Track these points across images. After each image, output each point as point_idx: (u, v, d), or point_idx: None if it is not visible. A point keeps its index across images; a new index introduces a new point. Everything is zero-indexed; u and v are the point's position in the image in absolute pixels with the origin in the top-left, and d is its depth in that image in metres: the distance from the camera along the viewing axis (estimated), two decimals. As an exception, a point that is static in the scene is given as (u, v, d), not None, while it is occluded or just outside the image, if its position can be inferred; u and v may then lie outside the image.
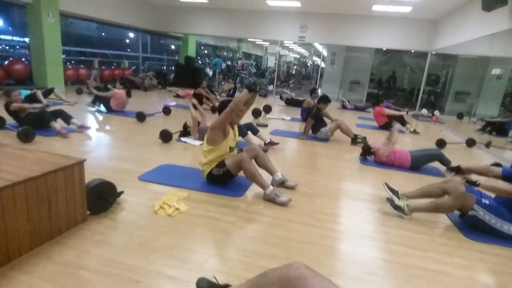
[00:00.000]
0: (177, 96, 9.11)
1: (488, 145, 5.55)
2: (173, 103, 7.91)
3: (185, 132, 4.54)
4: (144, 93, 9.82)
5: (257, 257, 1.87)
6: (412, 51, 11.79)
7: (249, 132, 4.26)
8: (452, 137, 6.45)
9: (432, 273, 1.90)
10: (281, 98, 10.01)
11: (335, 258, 1.99)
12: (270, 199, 2.63)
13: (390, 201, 2.63)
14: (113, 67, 11.90)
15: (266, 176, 2.85)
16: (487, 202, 2.32)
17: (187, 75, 11.97)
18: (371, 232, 2.35)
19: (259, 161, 2.98)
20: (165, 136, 4.19)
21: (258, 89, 2.78)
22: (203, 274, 1.55)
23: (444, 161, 3.87)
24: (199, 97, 7.55)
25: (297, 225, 2.31)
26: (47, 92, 6.35)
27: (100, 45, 15.23)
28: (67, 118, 4.49)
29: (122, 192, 2.37)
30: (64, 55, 10.50)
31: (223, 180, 2.84)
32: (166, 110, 6.32)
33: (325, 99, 5.37)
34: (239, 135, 4.19)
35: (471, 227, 2.41)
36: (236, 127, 3.00)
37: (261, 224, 2.30)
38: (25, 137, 3.69)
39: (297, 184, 3.04)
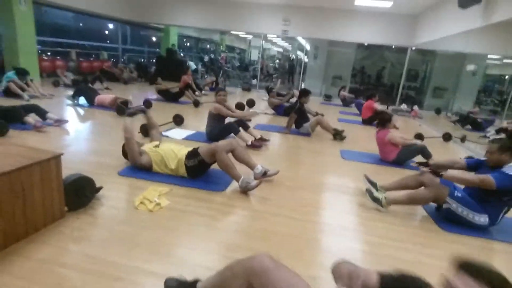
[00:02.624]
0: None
1: (463, 139, 5.78)
2: (155, 96, 7.75)
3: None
4: (124, 86, 9.57)
5: (238, 251, 1.89)
6: (393, 47, 12.01)
7: (240, 129, 4.27)
8: (430, 132, 6.67)
9: (408, 263, 1.97)
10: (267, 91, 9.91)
11: (316, 250, 2.03)
12: (243, 189, 2.66)
13: (369, 192, 2.70)
14: (91, 59, 11.52)
15: (247, 171, 2.85)
16: (459, 194, 2.42)
17: (169, 68, 11.73)
18: (351, 223, 2.41)
19: (237, 155, 2.97)
20: (146, 131, 4.10)
21: (134, 111, 3.00)
22: (184, 269, 1.56)
23: (426, 154, 3.98)
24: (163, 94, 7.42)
25: (278, 218, 2.34)
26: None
27: (77, 36, 14.69)
28: (41, 113, 4.31)
29: (101, 188, 2.31)
30: (40, 46, 10.09)
31: (202, 170, 2.86)
32: (147, 104, 6.19)
33: (305, 93, 5.40)
34: (231, 133, 4.22)
35: (447, 219, 2.51)
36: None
37: (243, 218, 2.32)
38: (-3, 131, 3.54)
39: (278, 170, 3.05)
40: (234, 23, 11.43)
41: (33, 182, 1.76)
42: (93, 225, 2.00)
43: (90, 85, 6.50)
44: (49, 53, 10.94)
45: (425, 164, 2.79)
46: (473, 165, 2.62)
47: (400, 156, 3.99)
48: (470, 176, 2.47)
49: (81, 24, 15.99)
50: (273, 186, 2.91)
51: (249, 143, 4.11)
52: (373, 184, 2.84)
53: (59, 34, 12.94)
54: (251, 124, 5.54)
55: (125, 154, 3.04)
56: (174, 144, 3.04)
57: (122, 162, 3.07)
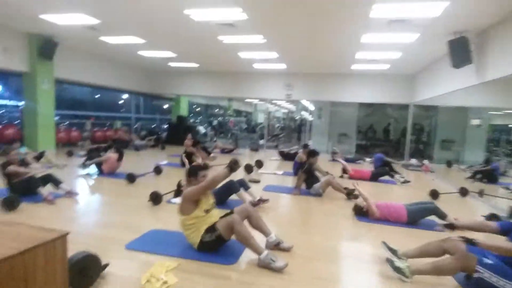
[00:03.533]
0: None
1: (481, 193, 5.55)
2: (165, 162, 7.88)
3: (179, 191, 4.44)
4: (135, 153, 9.82)
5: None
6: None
7: (241, 189, 4.22)
8: (444, 187, 6.47)
9: None
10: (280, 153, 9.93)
11: (338, 332, 1.83)
12: (264, 265, 2.48)
13: (390, 262, 2.50)
14: (105, 128, 12.05)
15: (259, 238, 2.73)
16: (490, 262, 2.16)
17: (179, 133, 12.16)
18: (374, 298, 2.20)
19: (252, 221, 2.88)
20: (155, 199, 4.09)
21: (238, 167, 2.71)
22: None
23: (440, 214, 3.78)
24: (189, 156, 7.52)
25: (295, 294, 2.16)
26: (39, 156, 6.29)
27: (94, 107, 15.65)
28: (56, 183, 4.37)
29: (107, 265, 2.22)
30: (58, 117, 10.70)
31: (216, 247, 2.69)
32: (157, 170, 6.26)
33: (313, 153, 5.43)
34: (233, 192, 4.17)
35: None
36: (208, 192, 2.90)
37: (257, 295, 2.15)
38: (10, 205, 3.55)
39: (292, 246, 2.91)
40: (240, 90, 12.11)
41: (37, 265, 1.68)
42: (95, 309, 1.87)
43: (101, 154, 6.68)
44: (66, 123, 11.52)
45: (451, 227, 2.61)
46: (508, 229, 2.40)
47: (410, 217, 3.81)
48: (509, 245, 2.24)
49: (97, 96, 17.16)
50: (286, 256, 2.74)
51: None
52: (394, 252, 2.65)
53: (77, 107, 13.82)
54: (260, 185, 5.52)
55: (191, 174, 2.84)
56: (218, 217, 2.83)
57: (129, 235, 2.99)
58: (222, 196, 4.18)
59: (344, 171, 6.98)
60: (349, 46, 7.04)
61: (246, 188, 4.36)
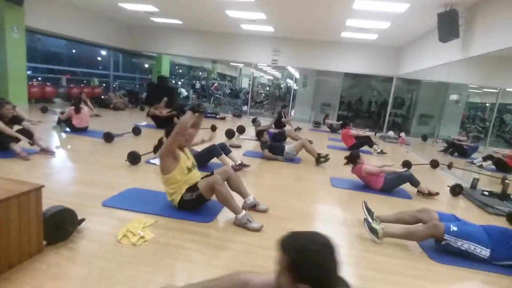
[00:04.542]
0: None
1: (449, 166, 5.86)
2: (144, 123, 7.73)
3: (160, 145, 4.38)
4: (113, 112, 9.55)
5: None
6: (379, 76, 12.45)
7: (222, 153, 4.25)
8: (417, 158, 6.77)
9: (400, 297, 1.92)
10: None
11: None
12: (241, 225, 2.58)
13: (367, 222, 2.66)
14: (82, 85, 11.53)
15: (237, 199, 2.81)
16: (456, 229, 2.39)
17: (159, 94, 11.81)
18: (341, 256, 2.35)
19: (232, 183, 2.94)
20: (133, 158, 4.05)
21: (202, 110, 2.64)
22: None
23: (414, 182, 4.04)
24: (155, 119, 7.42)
25: (268, 252, 2.27)
26: None
27: (70, 63, 14.79)
28: (30, 136, 4.15)
29: (83, 220, 2.23)
30: (31, 71, 10.09)
31: (196, 205, 2.75)
32: (136, 130, 6.15)
33: (259, 133, 5.49)
34: (214, 156, 4.19)
35: (448, 253, 2.45)
36: (187, 150, 2.90)
37: (230, 252, 2.24)
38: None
39: (268, 208, 3.02)
40: (225, 53, 11.73)
41: (10, 216, 1.68)
42: (72, 260, 1.90)
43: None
44: (39, 79, 10.91)
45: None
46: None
47: (386, 184, 4.01)
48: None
49: (73, 51, 16.17)
50: (262, 216, 2.85)
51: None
52: (371, 213, 2.81)
53: (52, 61, 13.02)
54: (241, 150, 5.57)
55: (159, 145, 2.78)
56: (200, 178, 2.84)
57: (106, 193, 2.99)
58: (203, 159, 4.20)
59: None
60: (341, 11, 6.84)
61: (228, 152, 4.40)
